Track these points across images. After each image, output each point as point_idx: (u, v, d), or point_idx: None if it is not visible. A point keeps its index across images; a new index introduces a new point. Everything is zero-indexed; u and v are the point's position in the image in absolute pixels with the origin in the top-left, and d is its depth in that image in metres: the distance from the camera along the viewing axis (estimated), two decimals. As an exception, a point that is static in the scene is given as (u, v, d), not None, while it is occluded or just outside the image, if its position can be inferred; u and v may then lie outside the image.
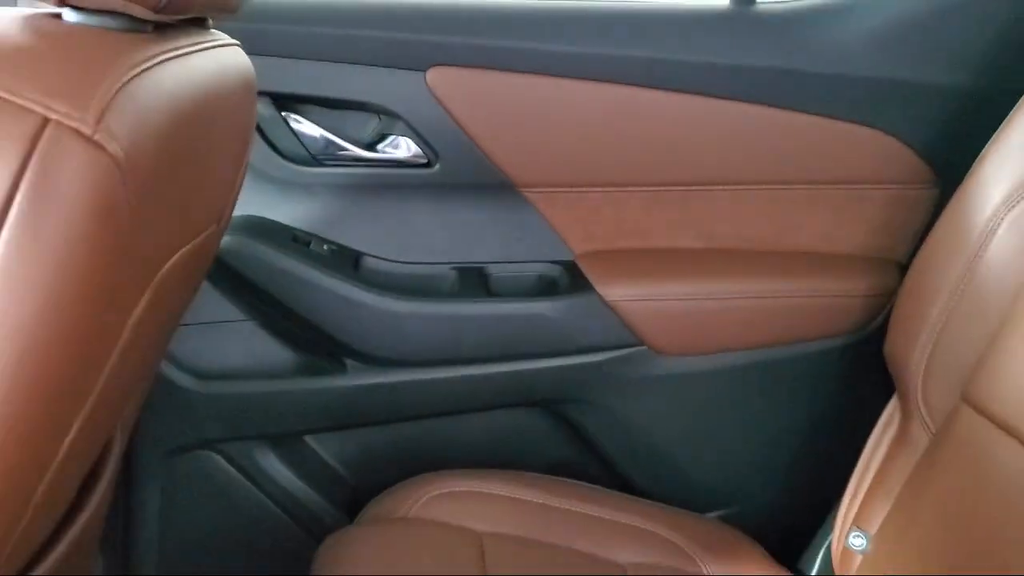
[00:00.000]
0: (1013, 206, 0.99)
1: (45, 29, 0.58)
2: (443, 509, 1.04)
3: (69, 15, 0.60)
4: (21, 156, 0.49)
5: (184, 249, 0.69)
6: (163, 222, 0.62)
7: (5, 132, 0.49)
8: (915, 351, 1.05)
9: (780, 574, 1.07)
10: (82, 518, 0.78)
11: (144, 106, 0.56)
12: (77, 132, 0.50)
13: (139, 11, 0.59)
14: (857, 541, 1.04)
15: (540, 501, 1.08)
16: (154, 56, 0.60)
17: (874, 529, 1.03)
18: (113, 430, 0.84)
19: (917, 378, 1.04)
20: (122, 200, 0.53)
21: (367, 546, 0.97)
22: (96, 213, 0.51)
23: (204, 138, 0.69)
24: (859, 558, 1.04)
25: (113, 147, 0.51)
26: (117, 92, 0.53)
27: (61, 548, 0.75)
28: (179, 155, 0.62)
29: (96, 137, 0.50)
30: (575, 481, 1.16)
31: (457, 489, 1.07)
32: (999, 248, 0.99)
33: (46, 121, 0.49)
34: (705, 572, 1.04)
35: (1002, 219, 1.00)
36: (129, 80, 0.55)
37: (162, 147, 0.58)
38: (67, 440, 0.61)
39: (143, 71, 0.57)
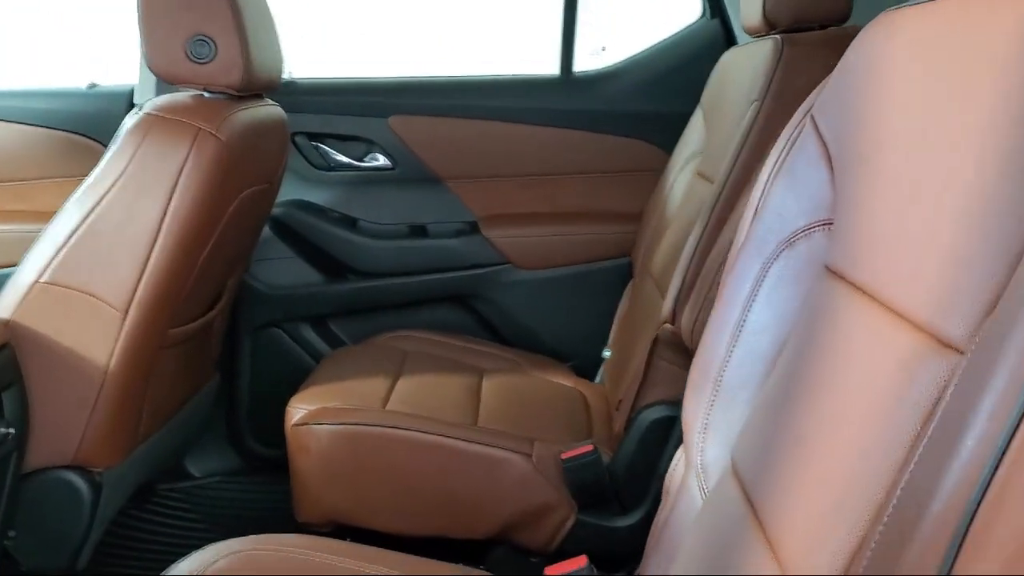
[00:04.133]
0: (682, 170, 1.78)
1: (197, 97, 1.44)
2: (391, 342, 1.86)
3: (205, 93, 1.46)
4: (188, 145, 1.34)
5: (250, 189, 1.54)
6: (239, 173, 1.47)
7: (182, 135, 1.34)
8: (639, 253, 1.84)
9: (572, 377, 1.85)
10: (215, 310, 1.63)
11: (234, 125, 1.41)
12: (211, 134, 1.35)
13: (229, 90, 1.44)
14: (607, 353, 1.83)
15: (446, 341, 1.89)
16: (237, 108, 1.45)
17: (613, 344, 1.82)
18: (225, 279, 1.68)
19: (636, 266, 1.84)
20: (225, 159, 1.37)
21: (344, 355, 1.79)
22: (215, 162, 1.35)
23: (258, 142, 1.53)
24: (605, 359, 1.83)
25: (223, 139, 1.36)
26: (224, 120, 1.38)
27: (205, 319, 1.59)
28: (247, 146, 1.47)
29: (217, 135, 1.35)
30: (475, 338, 1.97)
31: (403, 335, 1.89)
32: (674, 192, 1.78)
33: (199, 130, 1.35)
34: (528, 374, 1.83)
35: (676, 179, 1.79)
36: (228, 116, 1.40)
37: (241, 141, 1.42)
38: (197, 265, 1.44)
39: (234, 113, 1.42)
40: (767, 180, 0.92)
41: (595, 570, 1.01)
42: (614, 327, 1.84)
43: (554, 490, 1.36)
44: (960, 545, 0.40)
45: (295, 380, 1.97)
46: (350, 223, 2.02)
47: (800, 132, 0.89)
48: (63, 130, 1.99)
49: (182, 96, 1.45)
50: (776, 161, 0.92)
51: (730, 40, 1.98)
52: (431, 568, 1.04)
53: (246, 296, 1.96)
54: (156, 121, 1.35)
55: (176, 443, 1.76)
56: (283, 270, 2.00)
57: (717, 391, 0.90)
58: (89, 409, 1.33)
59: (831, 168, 0.82)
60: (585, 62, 2.04)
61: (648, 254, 1.75)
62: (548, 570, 1.02)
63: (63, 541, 1.36)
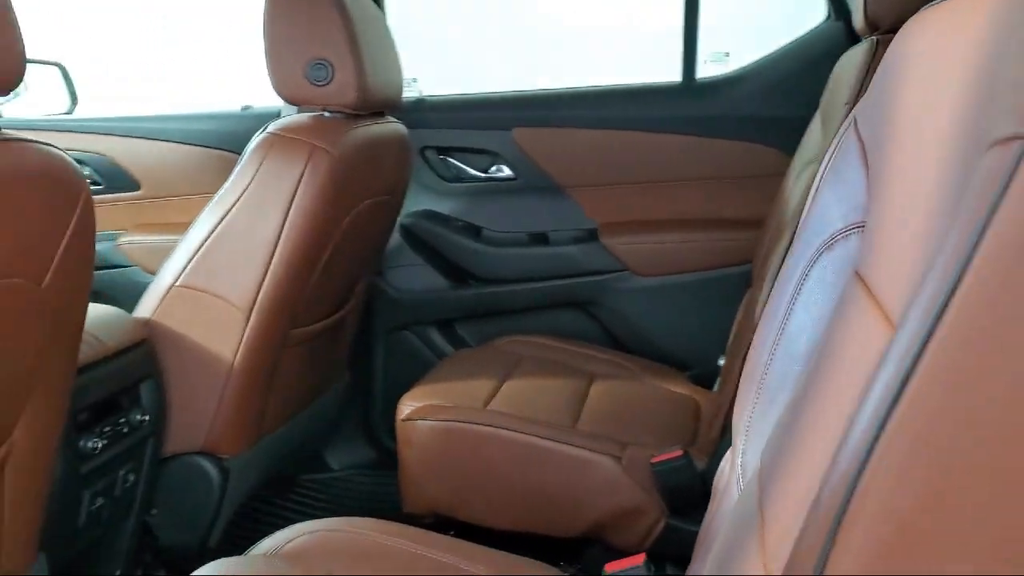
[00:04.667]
0: (800, 174, 1.74)
1: (316, 117, 1.55)
2: (509, 346, 1.92)
3: (325, 113, 1.57)
4: (304, 161, 1.45)
5: (368, 201, 1.64)
6: (355, 186, 1.57)
7: (299, 152, 1.45)
8: (759, 258, 1.81)
9: (689, 386, 1.84)
10: (341, 313, 1.75)
11: (348, 142, 1.51)
12: (325, 151, 1.46)
13: (346, 109, 1.55)
14: (722, 361, 1.80)
15: (563, 346, 1.93)
16: (353, 126, 1.55)
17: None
18: (351, 284, 1.79)
19: (755, 272, 1.80)
20: (339, 174, 1.48)
21: (461, 357, 1.86)
22: (329, 177, 1.46)
23: (374, 156, 1.63)
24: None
25: (336, 155, 1.46)
26: (339, 137, 1.49)
27: (330, 321, 1.71)
28: (362, 161, 1.57)
29: (330, 151, 1.46)
30: (594, 344, 2.00)
31: (522, 339, 1.95)
32: (792, 196, 1.74)
33: (314, 147, 1.45)
34: (641, 381, 1.83)
35: (795, 183, 1.75)
36: (344, 134, 1.50)
37: (355, 156, 1.52)
38: (316, 271, 1.55)
39: (350, 131, 1.52)
40: (818, 182, 0.91)
41: (652, 569, 1.02)
42: (731, 334, 1.82)
43: (644, 493, 1.37)
44: (833, 541, 0.40)
45: (417, 374, 2.07)
46: (475, 232, 2.10)
47: (845, 133, 0.88)
48: (219, 149, 2.18)
49: (303, 116, 1.57)
50: (826, 162, 0.91)
51: (854, 42, 1.91)
52: (504, 562, 1.08)
53: (378, 300, 2.07)
54: (277, 140, 1.47)
55: (304, 436, 1.88)
56: (412, 276, 2.11)
57: (759, 393, 0.90)
58: (216, 400, 1.46)
59: (867, 169, 0.81)
60: (705, 69, 2.03)
61: (764, 260, 1.72)
62: (608, 567, 1.05)
63: (196, 520, 1.50)
